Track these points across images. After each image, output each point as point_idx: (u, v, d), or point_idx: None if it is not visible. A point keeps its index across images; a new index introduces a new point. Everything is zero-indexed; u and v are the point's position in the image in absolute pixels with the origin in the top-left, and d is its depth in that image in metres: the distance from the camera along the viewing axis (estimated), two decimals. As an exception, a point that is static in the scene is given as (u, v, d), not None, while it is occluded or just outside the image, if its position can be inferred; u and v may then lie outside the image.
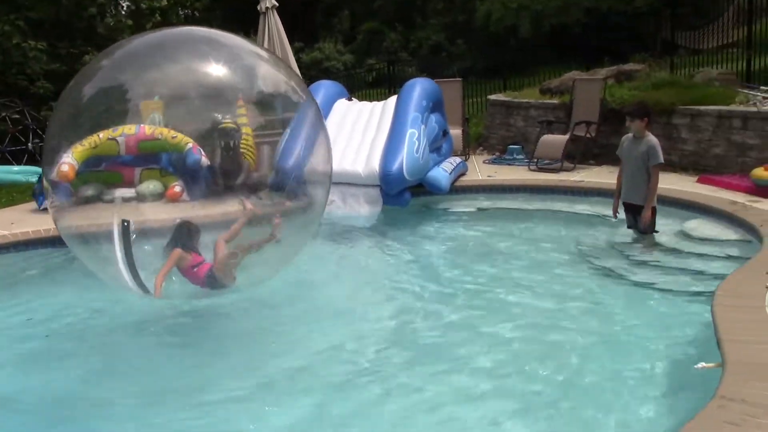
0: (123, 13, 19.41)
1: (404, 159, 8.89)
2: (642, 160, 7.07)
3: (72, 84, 6.26)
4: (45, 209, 9.54)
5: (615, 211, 7.52)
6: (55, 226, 6.40)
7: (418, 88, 9.76)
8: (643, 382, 4.64)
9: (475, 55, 22.56)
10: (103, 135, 10.19)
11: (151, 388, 5.04)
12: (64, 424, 4.61)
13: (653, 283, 6.36)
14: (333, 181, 9.02)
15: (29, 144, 15.55)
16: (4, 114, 15.96)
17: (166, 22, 21.21)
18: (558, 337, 5.42)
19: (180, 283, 6.28)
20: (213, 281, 6.19)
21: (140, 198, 9.33)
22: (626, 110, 7.95)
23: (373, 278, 7.41)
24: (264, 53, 7.26)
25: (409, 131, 9.15)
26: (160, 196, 9.50)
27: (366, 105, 10.42)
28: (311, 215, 7.19)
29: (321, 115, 7.08)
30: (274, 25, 11.52)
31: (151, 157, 9.34)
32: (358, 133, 9.63)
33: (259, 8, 11.57)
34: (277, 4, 11.64)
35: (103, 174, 10.02)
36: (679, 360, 4.90)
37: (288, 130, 9.54)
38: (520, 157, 11.55)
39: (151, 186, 9.41)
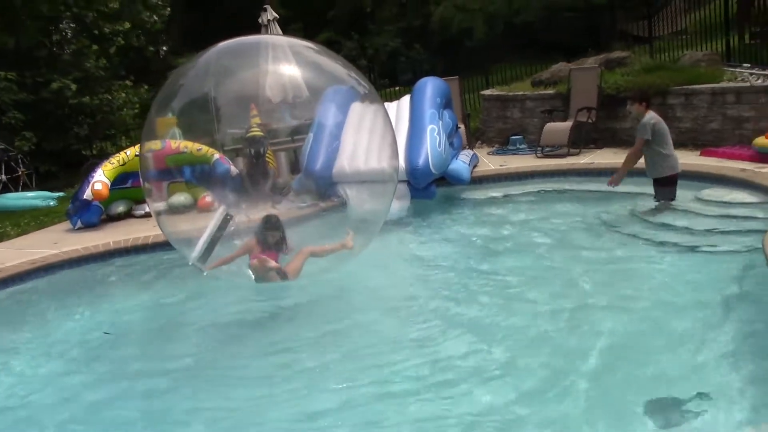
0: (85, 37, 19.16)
1: (429, 153, 9.30)
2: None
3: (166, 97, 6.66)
4: (80, 228, 9.64)
5: None
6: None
7: (430, 85, 10.20)
8: (721, 328, 5.02)
9: (432, 59, 23.13)
10: (130, 152, 10.37)
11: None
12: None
13: (690, 245, 6.85)
14: (361, 179, 9.37)
15: (2, 176, 15.32)
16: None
17: (129, 44, 21.13)
18: (618, 305, 5.70)
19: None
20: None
21: (172, 210, 9.54)
22: (627, 96, 8.65)
23: (413, 268, 7.73)
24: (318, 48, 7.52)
25: (429, 127, 9.57)
26: (191, 207, 9.74)
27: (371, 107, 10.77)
28: (377, 212, 7.49)
29: (383, 110, 7.37)
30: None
31: (175, 171, 9.54)
32: (374, 133, 9.94)
33: (260, 21, 11.80)
34: (278, 17, 11.90)
35: (132, 190, 10.18)
36: (748, 304, 5.38)
37: (312, 134, 9.86)
38: (523, 146, 12.11)
39: (181, 198, 9.63)
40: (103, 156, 19.10)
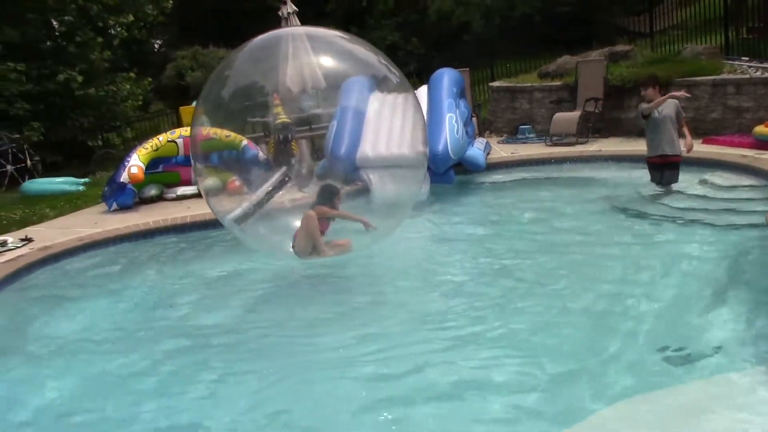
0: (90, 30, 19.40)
1: (448, 140, 9.77)
2: (670, 118, 8.22)
3: (204, 91, 7.05)
4: (115, 210, 10.06)
5: None
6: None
7: (447, 76, 10.68)
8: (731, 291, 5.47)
9: (431, 52, 23.58)
10: (163, 138, 10.77)
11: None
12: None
13: (699, 221, 7.31)
14: (385, 164, 9.83)
15: (8, 166, 15.62)
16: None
17: (132, 37, 21.44)
18: (638, 278, 6.03)
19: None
20: None
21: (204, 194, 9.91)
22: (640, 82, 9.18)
23: (436, 248, 8.10)
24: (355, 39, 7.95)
25: (448, 115, 10.05)
26: (221, 191, 10.15)
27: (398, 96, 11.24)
28: (404, 196, 7.98)
29: (412, 98, 7.83)
30: (296, 28, 12.12)
31: (204, 156, 9.95)
32: (397, 121, 10.42)
33: (280, 14, 12.17)
34: (297, 10, 12.27)
35: (163, 174, 10.60)
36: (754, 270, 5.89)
37: (335, 122, 10.32)
38: (532, 135, 12.64)
39: (210, 182, 10.03)
40: (109, 146, 19.49)
